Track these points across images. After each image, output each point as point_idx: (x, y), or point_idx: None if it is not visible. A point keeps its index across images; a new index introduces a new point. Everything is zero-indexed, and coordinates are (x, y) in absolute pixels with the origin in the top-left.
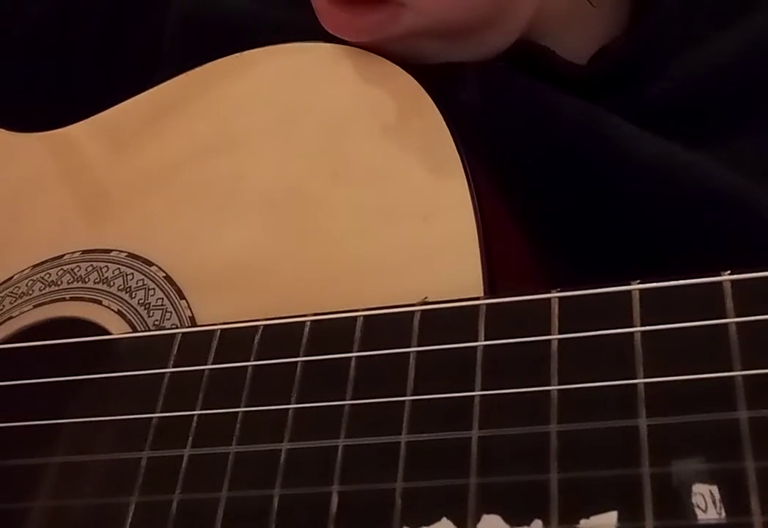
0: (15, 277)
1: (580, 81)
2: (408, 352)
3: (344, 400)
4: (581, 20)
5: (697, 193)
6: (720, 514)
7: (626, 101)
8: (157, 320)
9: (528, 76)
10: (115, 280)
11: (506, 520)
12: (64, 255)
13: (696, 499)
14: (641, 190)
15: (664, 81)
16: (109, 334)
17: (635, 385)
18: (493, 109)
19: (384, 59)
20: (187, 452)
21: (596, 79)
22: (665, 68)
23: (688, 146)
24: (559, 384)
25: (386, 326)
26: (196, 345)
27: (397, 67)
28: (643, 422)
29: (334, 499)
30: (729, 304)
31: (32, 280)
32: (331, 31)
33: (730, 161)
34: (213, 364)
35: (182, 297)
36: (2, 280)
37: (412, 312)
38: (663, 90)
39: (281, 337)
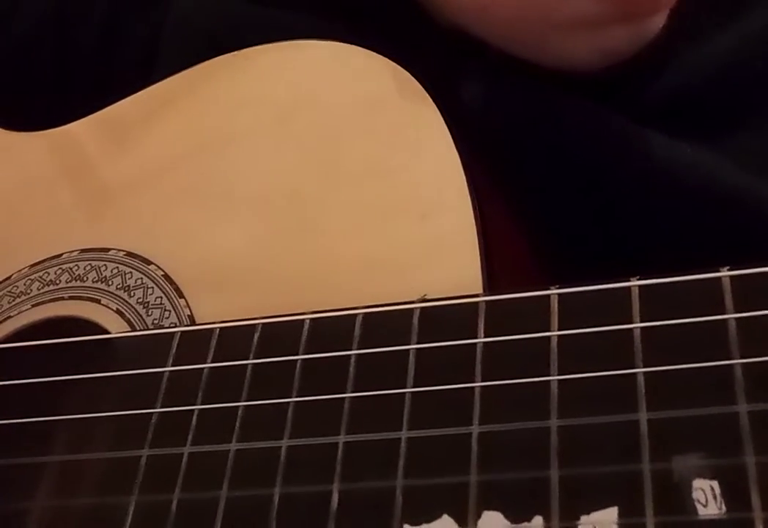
0: (13, 276)
1: (583, 80)
2: (408, 350)
3: (344, 398)
4: None
5: (701, 193)
6: (720, 509)
7: (628, 99)
8: (155, 319)
9: (530, 76)
10: (114, 279)
11: (507, 516)
12: (62, 254)
13: (696, 495)
14: (643, 189)
15: (667, 78)
16: (108, 333)
17: (635, 380)
18: (496, 108)
19: (382, 57)
20: (186, 450)
21: (599, 78)
22: (667, 66)
23: (692, 143)
24: (559, 380)
25: (385, 324)
26: (194, 344)
27: (396, 65)
28: (643, 417)
29: (335, 497)
30: (728, 299)
31: (30, 279)
32: None
33: (733, 156)
34: (212, 362)
35: (181, 295)
36: (1, 280)
37: (412, 309)
38: (665, 87)
39: (280, 335)
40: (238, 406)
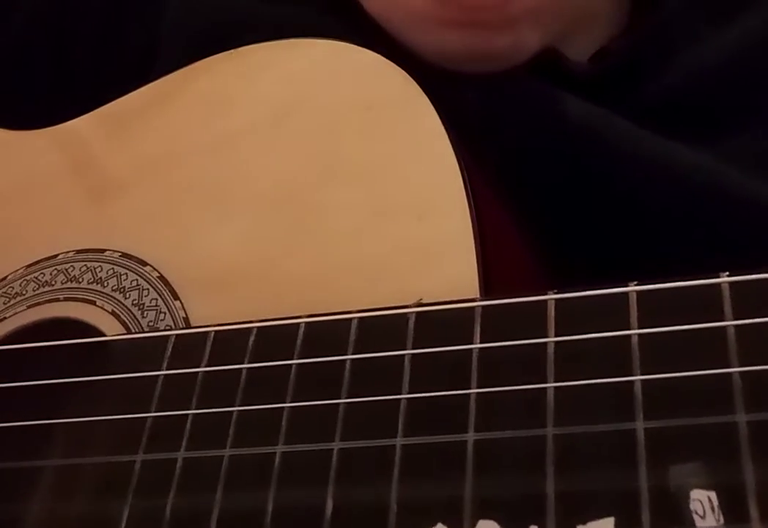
0: (9, 277)
1: (583, 80)
2: (403, 355)
3: (339, 403)
4: (588, 20)
5: (700, 194)
6: (718, 520)
7: (628, 100)
8: (151, 321)
9: (530, 76)
10: (109, 281)
11: (502, 526)
12: (58, 254)
13: (694, 506)
14: (643, 191)
15: (665, 79)
16: (103, 335)
17: (632, 388)
18: (495, 108)
19: (380, 56)
20: (181, 455)
21: (599, 78)
22: (666, 66)
23: (690, 143)
24: (556, 387)
25: (381, 328)
26: (190, 347)
27: (393, 64)
28: (640, 426)
29: (329, 504)
30: (727, 306)
31: (26, 280)
32: None
33: (732, 157)
34: (207, 366)
35: (176, 297)
36: None
37: (407, 314)
38: (664, 88)
39: (275, 338)
40: (232, 411)
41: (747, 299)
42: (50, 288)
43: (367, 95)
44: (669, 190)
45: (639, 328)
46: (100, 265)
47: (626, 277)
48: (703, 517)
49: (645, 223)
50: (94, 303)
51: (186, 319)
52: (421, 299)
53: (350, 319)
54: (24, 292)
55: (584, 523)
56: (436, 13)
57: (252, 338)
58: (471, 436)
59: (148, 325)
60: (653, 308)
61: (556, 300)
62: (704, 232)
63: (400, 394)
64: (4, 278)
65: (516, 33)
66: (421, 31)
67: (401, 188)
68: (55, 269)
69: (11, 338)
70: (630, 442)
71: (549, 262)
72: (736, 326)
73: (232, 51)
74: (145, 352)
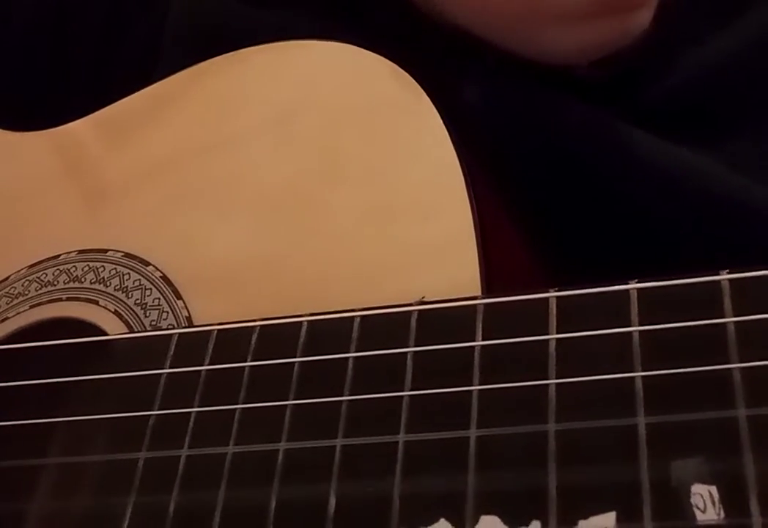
0: (11, 277)
1: (584, 82)
2: (405, 353)
3: (341, 400)
4: None
5: (701, 196)
6: (719, 514)
7: (629, 102)
8: (153, 320)
9: (532, 78)
10: (112, 280)
11: (504, 521)
12: (60, 255)
13: (695, 500)
14: (644, 193)
15: (667, 81)
16: (106, 334)
17: (633, 384)
18: (496, 109)
19: (382, 58)
20: (184, 453)
21: (600, 80)
22: (667, 68)
23: (692, 145)
24: (557, 384)
25: (383, 326)
26: (192, 345)
27: (395, 65)
28: (641, 421)
29: (332, 501)
30: (727, 303)
31: (28, 280)
32: None
33: (733, 160)
34: (210, 364)
35: (179, 297)
36: None
37: (410, 312)
38: (666, 90)
39: (278, 337)
40: (235, 409)
41: (747, 296)
42: (53, 288)
43: (369, 96)
44: (669, 192)
45: (640, 325)
46: (102, 265)
47: (625, 277)
48: (703, 511)
49: (644, 224)
50: (96, 303)
51: (189, 319)
52: (423, 297)
53: (353, 318)
54: (26, 292)
55: (586, 517)
56: (583, 8)
57: (255, 337)
58: (473, 432)
59: (150, 325)
60: (654, 305)
61: (558, 297)
62: (704, 234)
63: (402, 391)
64: (7, 278)
65: (648, 9)
66: (558, 31)
67: (403, 188)
68: (58, 269)
69: (14, 338)
70: (631, 437)
71: (549, 262)
72: (736, 323)
73: (234, 52)
74: (148, 350)
